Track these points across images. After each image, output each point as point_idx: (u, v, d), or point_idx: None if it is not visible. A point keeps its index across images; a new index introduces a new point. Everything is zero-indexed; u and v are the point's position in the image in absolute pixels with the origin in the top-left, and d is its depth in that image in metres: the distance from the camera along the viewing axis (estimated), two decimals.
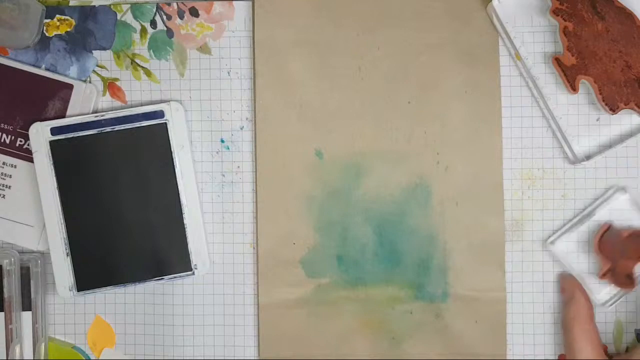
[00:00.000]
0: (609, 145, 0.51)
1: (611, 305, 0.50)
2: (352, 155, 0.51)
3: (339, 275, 0.51)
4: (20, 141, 0.52)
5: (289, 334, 0.51)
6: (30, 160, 0.51)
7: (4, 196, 0.52)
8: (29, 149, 0.51)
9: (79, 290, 0.51)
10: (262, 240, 0.51)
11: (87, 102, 0.51)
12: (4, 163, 0.52)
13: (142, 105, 0.52)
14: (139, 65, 0.52)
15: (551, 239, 0.51)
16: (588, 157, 0.50)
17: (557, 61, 0.49)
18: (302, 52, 0.51)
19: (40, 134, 0.50)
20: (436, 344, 0.51)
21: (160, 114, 0.51)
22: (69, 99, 0.51)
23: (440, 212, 0.51)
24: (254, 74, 0.51)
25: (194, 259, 0.51)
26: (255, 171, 0.52)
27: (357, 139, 0.51)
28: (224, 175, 0.52)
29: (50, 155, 0.50)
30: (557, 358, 0.51)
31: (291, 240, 0.51)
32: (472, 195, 0.51)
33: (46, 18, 0.52)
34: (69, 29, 0.52)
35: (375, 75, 0.51)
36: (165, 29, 0.52)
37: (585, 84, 0.49)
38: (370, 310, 0.51)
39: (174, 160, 0.51)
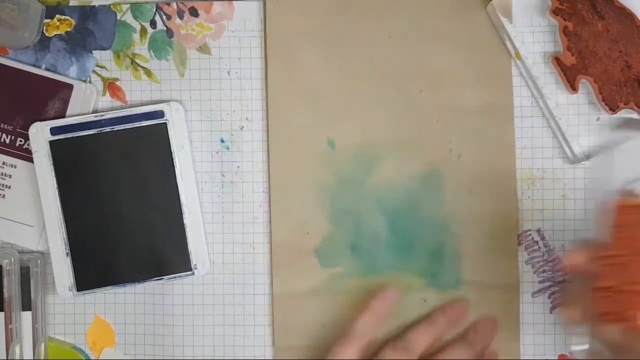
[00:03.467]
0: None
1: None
2: (364, 145, 0.51)
3: (353, 264, 0.51)
4: (20, 141, 0.52)
5: (303, 323, 0.51)
6: (30, 160, 0.51)
7: (4, 196, 0.52)
8: (29, 149, 0.51)
9: (78, 290, 0.51)
10: (275, 230, 0.51)
11: (87, 102, 0.51)
12: (4, 163, 0.52)
13: (142, 105, 0.52)
14: (139, 65, 0.52)
15: None
16: (588, 157, 0.50)
17: (557, 61, 0.49)
18: (314, 41, 0.51)
19: (40, 134, 0.50)
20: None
21: (160, 114, 0.51)
22: (69, 99, 0.51)
23: (453, 201, 0.51)
24: (266, 63, 0.51)
25: (194, 259, 0.51)
26: (268, 161, 0.51)
27: (369, 128, 0.51)
28: (224, 175, 0.52)
29: (50, 155, 0.50)
30: (556, 358, 0.51)
31: (305, 230, 0.51)
32: (485, 183, 0.51)
33: (46, 18, 0.52)
34: (69, 29, 0.52)
35: (387, 64, 0.51)
36: (165, 29, 0.52)
37: (585, 84, 0.49)
38: None
39: (174, 160, 0.51)
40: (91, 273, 0.51)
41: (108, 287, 0.51)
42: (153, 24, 0.52)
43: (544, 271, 0.51)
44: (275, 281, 0.51)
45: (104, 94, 0.52)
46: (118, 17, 0.52)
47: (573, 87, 0.49)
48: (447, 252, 0.51)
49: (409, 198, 0.51)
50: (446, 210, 0.51)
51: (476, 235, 0.51)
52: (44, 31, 0.52)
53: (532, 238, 0.50)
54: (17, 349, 0.50)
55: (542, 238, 0.50)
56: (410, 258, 0.51)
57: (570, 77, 0.49)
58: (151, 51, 0.52)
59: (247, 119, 0.52)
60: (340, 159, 0.51)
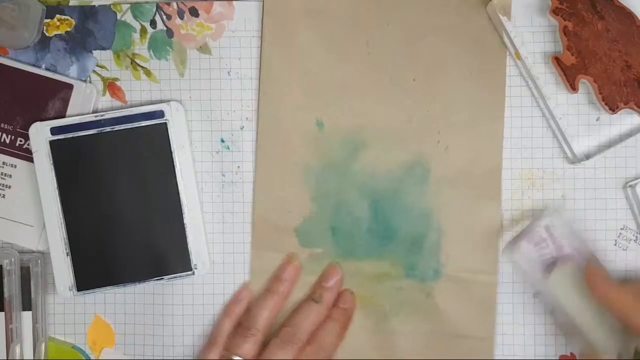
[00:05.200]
0: (609, 145, 0.51)
1: None
2: (353, 129, 0.51)
3: (332, 246, 0.51)
4: (20, 141, 0.52)
5: None
6: (30, 160, 0.51)
7: (4, 196, 0.52)
8: (29, 149, 0.51)
9: (79, 290, 0.51)
10: (258, 206, 0.51)
11: (87, 102, 0.51)
12: (4, 163, 0.52)
13: (142, 105, 0.52)
14: (138, 65, 0.52)
15: (632, 182, 0.50)
16: (588, 157, 0.50)
17: (557, 61, 0.49)
18: (312, 21, 0.51)
19: (40, 134, 0.50)
20: (425, 322, 0.51)
21: (160, 114, 0.51)
22: (69, 99, 0.51)
23: (437, 192, 0.51)
24: (262, 37, 0.51)
25: (194, 259, 0.51)
26: (257, 132, 0.51)
27: (360, 113, 0.51)
28: (224, 175, 0.52)
29: (50, 155, 0.50)
30: (557, 358, 0.51)
31: (287, 208, 0.51)
32: (469, 178, 0.51)
33: (46, 18, 0.52)
34: (69, 29, 0.52)
35: (382, 51, 0.51)
36: (165, 28, 0.52)
37: (585, 84, 0.49)
38: (360, 283, 0.51)
39: (174, 160, 0.51)
40: (91, 273, 0.51)
41: (108, 287, 0.51)
42: (153, 23, 0.52)
43: None
44: (255, 254, 0.51)
45: (104, 94, 0.52)
46: (118, 17, 0.52)
47: (573, 87, 0.49)
48: (427, 244, 0.51)
49: (393, 186, 0.51)
50: (429, 202, 0.51)
51: (457, 229, 0.51)
52: (44, 31, 0.52)
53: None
54: (17, 349, 0.50)
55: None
56: (390, 246, 0.51)
57: (570, 77, 0.49)
58: (151, 51, 0.52)
59: (247, 119, 0.52)
60: (328, 140, 0.51)
